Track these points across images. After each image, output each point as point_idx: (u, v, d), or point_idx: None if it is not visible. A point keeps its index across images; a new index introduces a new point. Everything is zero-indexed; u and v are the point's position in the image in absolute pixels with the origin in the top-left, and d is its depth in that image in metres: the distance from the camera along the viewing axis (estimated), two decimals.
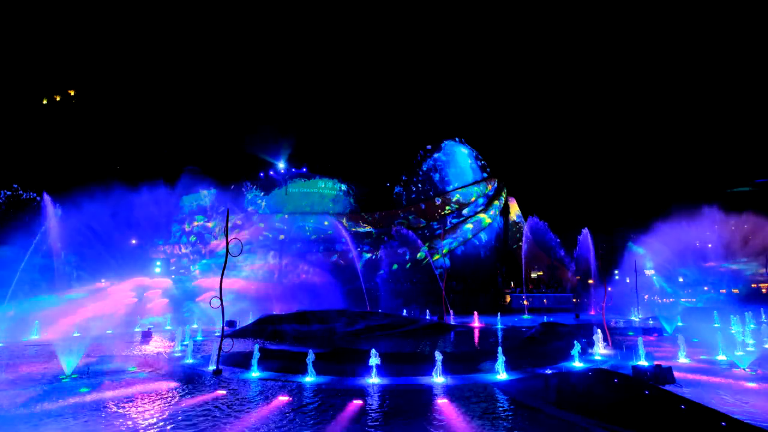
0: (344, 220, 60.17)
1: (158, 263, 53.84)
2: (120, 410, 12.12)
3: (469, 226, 59.46)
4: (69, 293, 36.03)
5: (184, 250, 54.81)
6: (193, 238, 55.24)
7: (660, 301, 48.76)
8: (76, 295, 35.90)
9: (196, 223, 54.98)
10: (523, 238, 59.19)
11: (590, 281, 52.99)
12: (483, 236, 60.37)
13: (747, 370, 16.83)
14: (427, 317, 37.79)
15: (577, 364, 18.08)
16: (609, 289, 48.15)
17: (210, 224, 54.52)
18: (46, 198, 36.59)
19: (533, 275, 63.12)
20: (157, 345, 25.29)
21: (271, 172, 65.72)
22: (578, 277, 57.48)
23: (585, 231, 46.29)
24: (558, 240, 60.16)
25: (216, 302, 18.28)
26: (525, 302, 49.49)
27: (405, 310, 41.25)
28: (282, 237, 55.38)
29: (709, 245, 55.46)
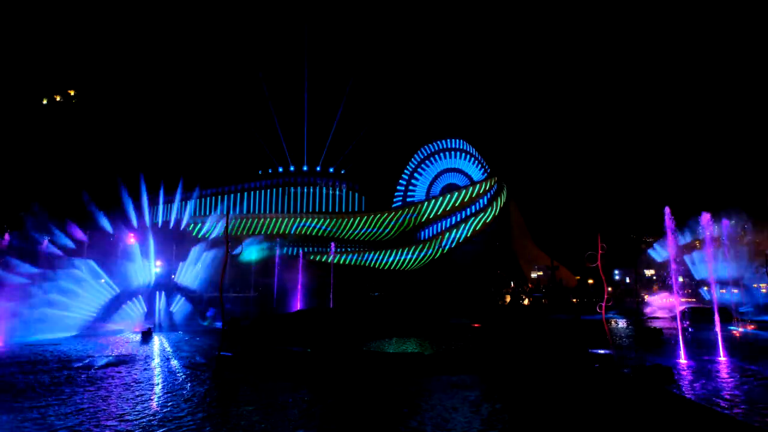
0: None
1: (158, 263, 53.73)
2: (124, 394, 13.06)
3: (469, 224, 59.52)
4: None
5: None
6: None
7: (661, 301, 48.78)
8: None
9: None
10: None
11: (590, 281, 52.99)
12: (482, 235, 60.44)
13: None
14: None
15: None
16: (609, 289, 47.98)
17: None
18: None
19: (533, 275, 63.15)
20: (157, 345, 25.36)
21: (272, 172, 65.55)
22: (578, 278, 57.48)
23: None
24: None
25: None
26: (525, 302, 49.52)
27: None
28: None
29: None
